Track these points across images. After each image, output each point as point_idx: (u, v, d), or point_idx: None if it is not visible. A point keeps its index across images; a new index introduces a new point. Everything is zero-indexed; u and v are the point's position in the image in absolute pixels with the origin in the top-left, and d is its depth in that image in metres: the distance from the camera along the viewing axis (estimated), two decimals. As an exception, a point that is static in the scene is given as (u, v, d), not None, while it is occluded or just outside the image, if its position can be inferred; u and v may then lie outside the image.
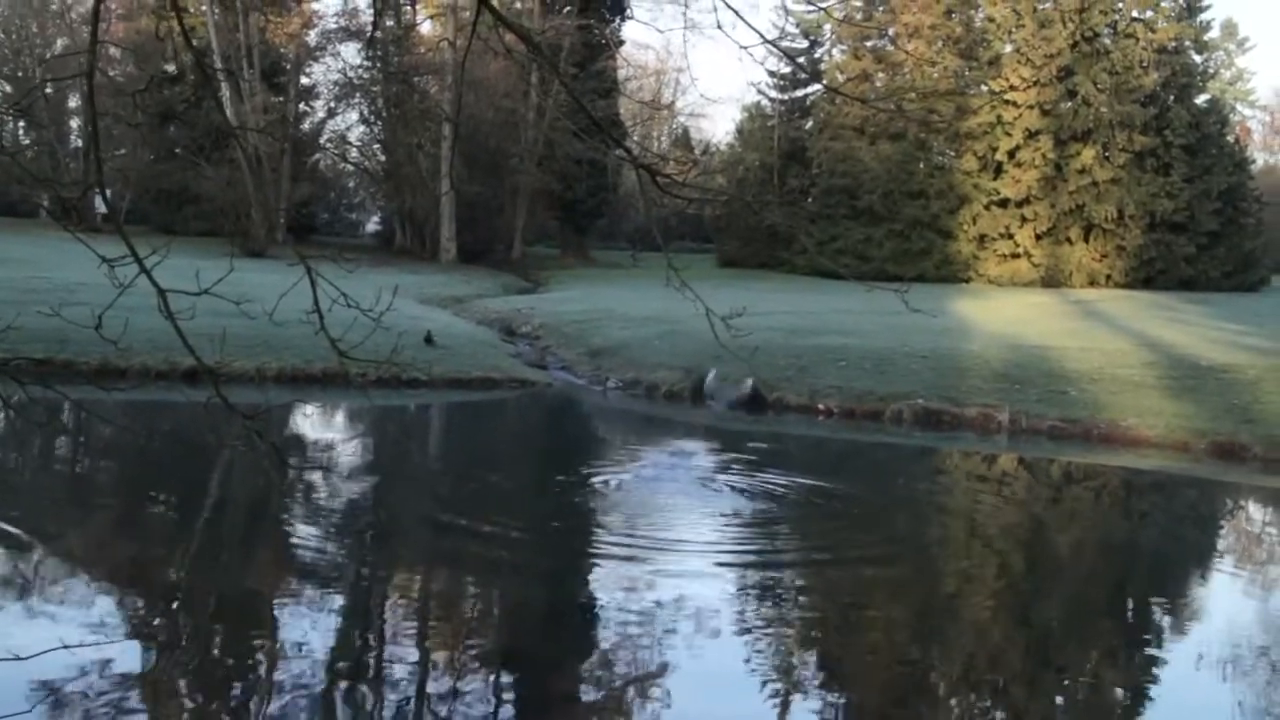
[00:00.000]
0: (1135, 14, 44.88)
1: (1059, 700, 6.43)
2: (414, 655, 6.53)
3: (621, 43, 55.70)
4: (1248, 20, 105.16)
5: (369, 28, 49.45)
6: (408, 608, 7.61)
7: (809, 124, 52.61)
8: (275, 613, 7.17)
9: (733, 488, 11.17)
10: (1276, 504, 12.96)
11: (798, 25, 52.71)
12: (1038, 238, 44.39)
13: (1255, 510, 12.96)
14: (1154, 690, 6.57)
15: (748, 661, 6.59)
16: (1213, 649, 7.11)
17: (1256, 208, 46.03)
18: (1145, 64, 43.49)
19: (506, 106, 46.03)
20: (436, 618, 7.41)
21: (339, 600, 7.44)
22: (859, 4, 49.68)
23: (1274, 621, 8.03)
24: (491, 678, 6.27)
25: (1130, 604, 8.59)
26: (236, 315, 5.63)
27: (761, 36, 4.52)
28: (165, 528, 9.38)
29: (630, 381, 18.73)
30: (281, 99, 48.61)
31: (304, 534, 9.01)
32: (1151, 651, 7.24)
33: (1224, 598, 8.64)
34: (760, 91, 55.09)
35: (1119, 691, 6.53)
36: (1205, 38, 49.31)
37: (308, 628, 6.71)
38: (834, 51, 53.15)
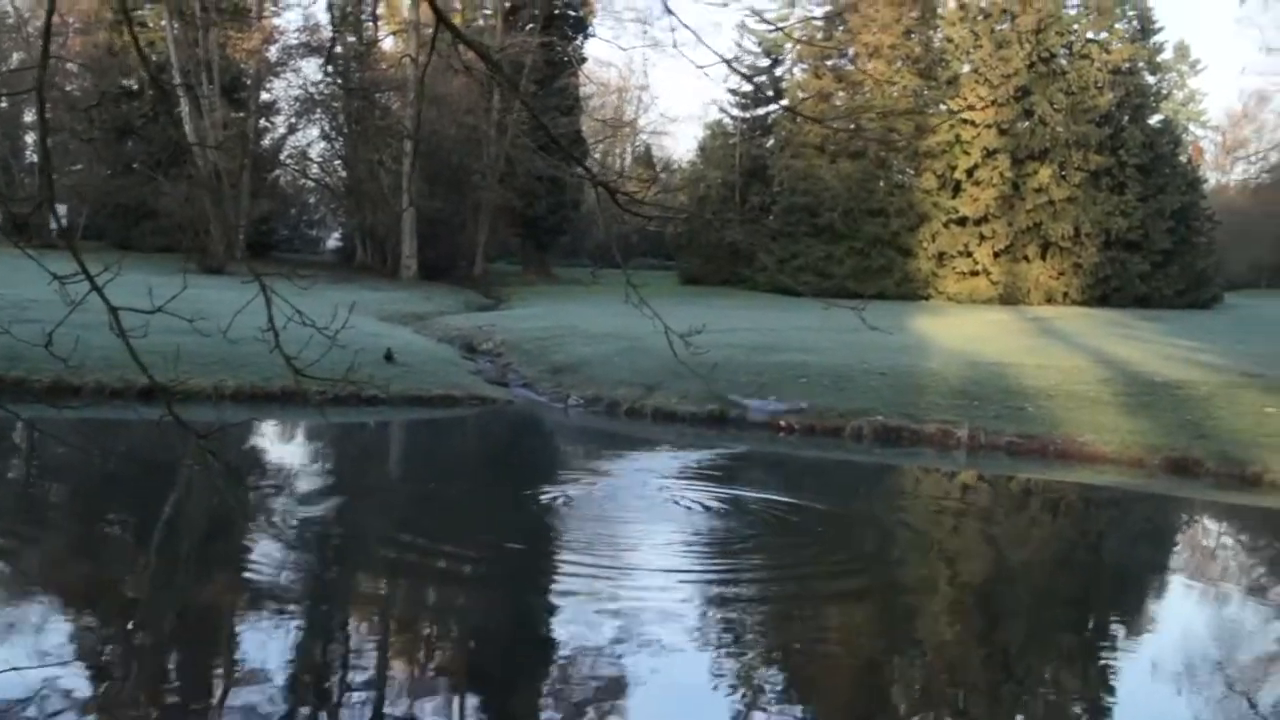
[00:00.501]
0: (1090, 35, 45.63)
1: (1020, 717, 6.46)
2: (372, 679, 6.44)
3: (584, 60, 55.89)
4: (1199, 42, 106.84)
5: (330, 43, 49.23)
6: (364, 633, 7.51)
7: (770, 142, 52.97)
8: (231, 635, 7.08)
9: (694, 507, 11.16)
10: (1229, 519, 13.13)
11: (759, 44, 53.11)
12: (996, 255, 44.89)
13: (1209, 525, 13.13)
14: (1117, 704, 6.63)
15: (714, 689, 6.58)
16: (1169, 661, 7.20)
17: (1209, 226, 46.84)
18: (1100, 84, 44.20)
19: (469, 123, 46.00)
20: (393, 644, 7.33)
21: (295, 622, 7.35)
22: (819, 23, 50.14)
23: (1228, 634, 8.13)
24: (450, 703, 6.23)
25: (1092, 620, 8.65)
26: (192, 333, 5.59)
27: (719, 56, 4.55)
28: (118, 548, 9.24)
29: (591, 398, 18.71)
30: (242, 114, 48.27)
31: (259, 555, 8.89)
32: (1113, 665, 7.29)
33: (1181, 611, 8.75)
34: (722, 109, 55.48)
35: (1081, 708, 6.57)
36: (1158, 59, 50.18)
37: (264, 651, 6.63)
38: (795, 70, 53.59)
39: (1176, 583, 10.08)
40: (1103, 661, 7.41)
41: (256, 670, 6.30)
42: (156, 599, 7.83)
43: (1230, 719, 6.45)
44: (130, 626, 7.18)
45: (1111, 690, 6.84)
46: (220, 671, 6.44)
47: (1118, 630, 8.29)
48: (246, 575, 8.29)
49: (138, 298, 4.84)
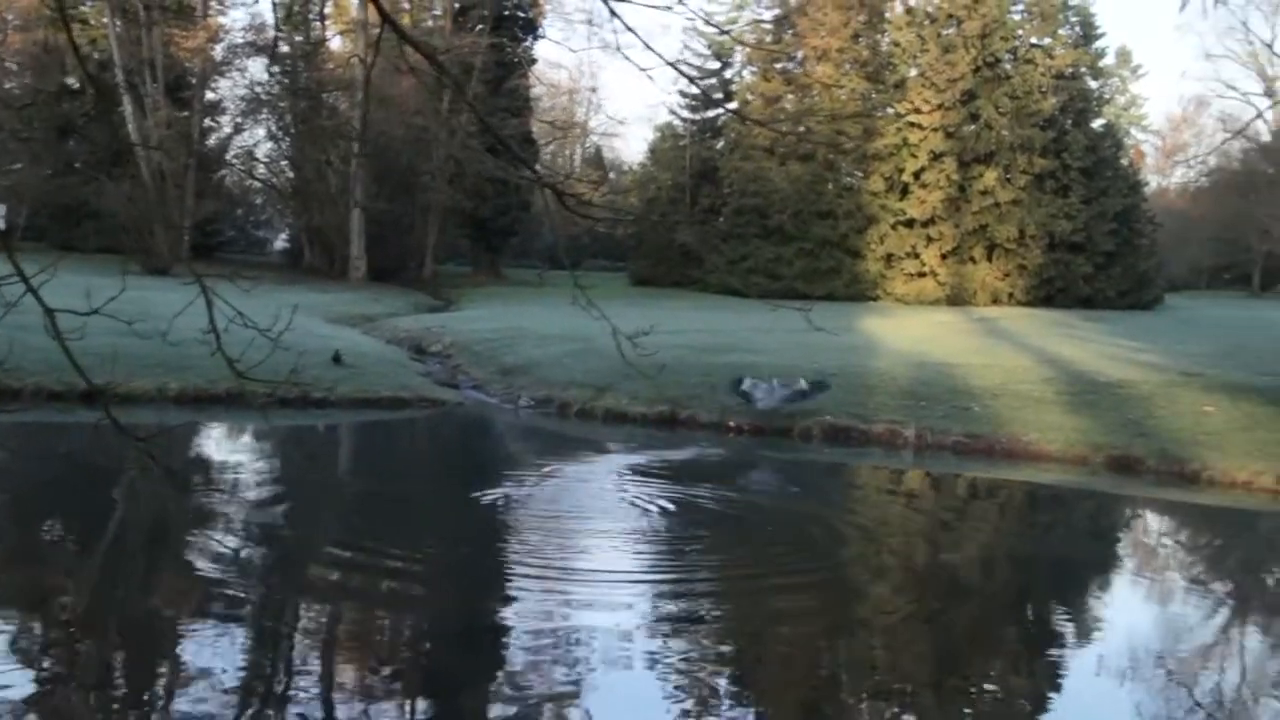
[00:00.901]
0: (1034, 41, 46.25)
1: (967, 711, 6.53)
2: (306, 697, 6.29)
3: (534, 61, 55.80)
4: (1140, 48, 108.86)
5: (273, 42, 48.70)
6: (297, 650, 7.30)
7: (720, 144, 53.13)
8: (177, 641, 6.97)
9: (647, 508, 11.17)
10: (1170, 515, 13.36)
11: (709, 46, 53.25)
12: (943, 257, 45.37)
13: (1151, 522, 13.36)
14: (1062, 694, 6.72)
15: (665, 696, 6.59)
16: (1115, 652, 7.32)
17: (1150, 229, 47.69)
18: (1044, 89, 44.83)
19: (418, 124, 45.69)
20: (340, 648, 7.25)
21: (239, 629, 7.23)
22: (768, 27, 50.42)
23: (1169, 625, 8.27)
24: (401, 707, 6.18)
25: (1036, 615, 8.75)
26: (134, 335, 5.50)
27: (663, 59, 4.55)
28: (55, 555, 9.06)
29: (542, 400, 18.67)
30: (186, 114, 47.60)
31: (201, 560, 8.75)
32: (1059, 656, 7.39)
33: (1125, 604, 8.91)
34: (672, 111, 55.51)
35: (1025, 702, 6.66)
36: (1100, 64, 50.97)
37: (209, 657, 6.53)
38: (744, 73, 53.83)
39: (1119, 577, 10.24)
40: (1049, 653, 7.51)
41: (203, 674, 6.20)
42: (97, 604, 7.68)
43: (1170, 707, 6.57)
44: (69, 633, 7.04)
45: (1057, 681, 6.94)
46: (167, 676, 6.34)
47: (1062, 621, 8.41)
48: (189, 579, 8.15)
49: (78, 299, 4.76)
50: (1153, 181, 71.44)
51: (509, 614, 7.87)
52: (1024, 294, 44.21)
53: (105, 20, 44.43)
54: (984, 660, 7.40)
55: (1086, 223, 44.01)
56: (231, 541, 9.37)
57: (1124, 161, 48.87)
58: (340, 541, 9.61)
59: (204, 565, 8.56)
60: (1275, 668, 7.55)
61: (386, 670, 6.72)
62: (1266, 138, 63.25)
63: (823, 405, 16.99)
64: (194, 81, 48.53)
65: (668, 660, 6.86)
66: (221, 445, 15.25)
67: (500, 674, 6.72)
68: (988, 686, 6.94)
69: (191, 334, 4.59)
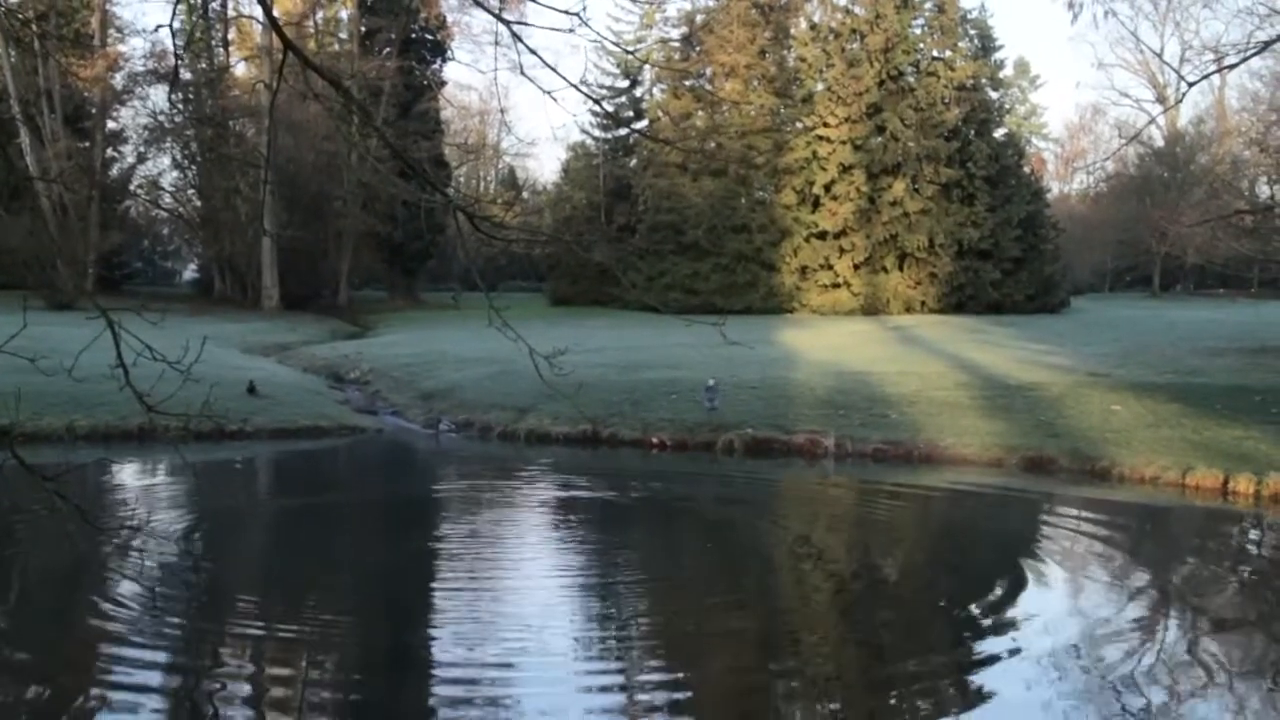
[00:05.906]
0: (936, 54, 47.33)
1: (891, 698, 6.61)
2: None
3: (443, 84, 55.52)
4: (1037, 59, 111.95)
5: (173, 70, 47.76)
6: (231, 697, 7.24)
7: (633, 162, 53.36)
8: (82, 700, 6.73)
9: (574, 535, 11.14)
10: (1085, 510, 13.66)
11: (618, 65, 53.51)
12: (856, 267, 46.10)
13: (1067, 518, 13.63)
14: (986, 685, 6.83)
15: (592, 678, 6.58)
16: (1035, 645, 7.47)
17: (1054, 234, 48.99)
18: (947, 101, 45.89)
19: (327, 150, 45.18)
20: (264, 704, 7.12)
21: (149, 688, 7.03)
22: (676, 44, 50.88)
23: (1089, 620, 8.45)
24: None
25: (954, 616, 8.89)
26: (39, 372, 5.36)
27: (566, 80, 4.58)
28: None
29: (463, 423, 18.54)
30: (87, 144, 46.47)
31: (107, 606, 8.43)
32: (980, 649, 7.52)
33: (1043, 598, 9.09)
34: (584, 130, 55.61)
35: (951, 688, 6.75)
36: (1000, 75, 52.31)
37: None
38: (654, 91, 54.19)
39: (1036, 574, 10.44)
40: (969, 646, 7.63)
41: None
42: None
43: (1093, 695, 6.71)
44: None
45: (981, 672, 7.05)
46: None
47: (983, 617, 8.55)
48: (93, 628, 7.92)
49: (-24, 338, 4.62)
50: (1054, 188, 73.53)
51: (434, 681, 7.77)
52: (935, 301, 45.11)
53: (-1, 50, 43.23)
54: (909, 654, 7.49)
55: (993, 230, 45.08)
56: (138, 585, 9.05)
57: (1026, 169, 50.20)
58: (254, 588, 9.37)
59: (106, 610, 8.29)
60: (1182, 650, 7.76)
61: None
62: (1160, 143, 65.40)
63: (744, 418, 17.10)
64: (94, 111, 47.43)
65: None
66: (127, 484, 14.76)
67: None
68: (916, 685, 7.01)
69: (99, 369, 4.48)
